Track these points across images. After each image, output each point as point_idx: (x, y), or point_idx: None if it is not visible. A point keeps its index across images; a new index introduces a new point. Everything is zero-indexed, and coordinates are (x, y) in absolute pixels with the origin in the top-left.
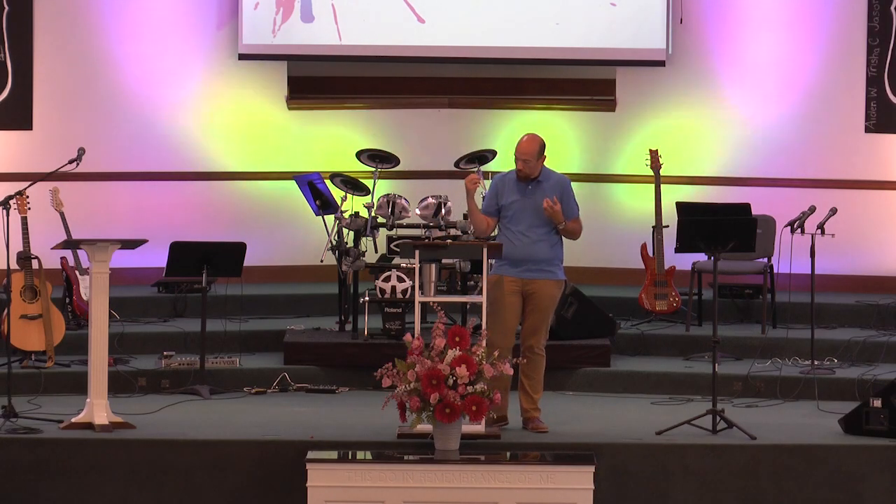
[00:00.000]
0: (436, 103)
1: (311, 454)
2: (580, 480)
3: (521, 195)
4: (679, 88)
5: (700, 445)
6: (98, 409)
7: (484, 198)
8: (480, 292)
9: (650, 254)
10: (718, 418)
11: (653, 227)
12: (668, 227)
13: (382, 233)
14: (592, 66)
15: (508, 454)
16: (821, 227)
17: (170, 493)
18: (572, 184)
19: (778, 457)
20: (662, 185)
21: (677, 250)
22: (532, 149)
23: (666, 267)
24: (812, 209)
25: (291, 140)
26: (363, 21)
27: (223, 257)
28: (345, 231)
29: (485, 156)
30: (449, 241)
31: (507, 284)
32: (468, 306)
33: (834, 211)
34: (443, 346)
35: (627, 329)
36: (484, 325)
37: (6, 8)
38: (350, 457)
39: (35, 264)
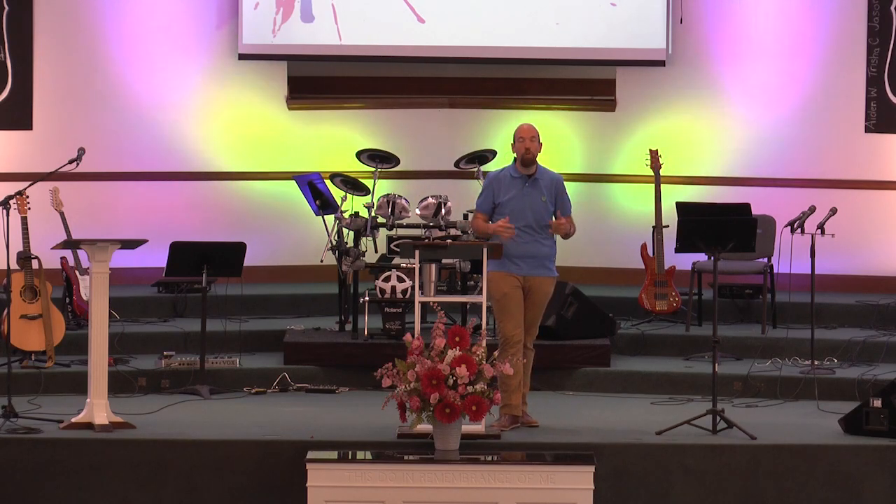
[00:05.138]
0: (436, 103)
1: (311, 454)
2: (580, 480)
3: (519, 192)
4: (679, 88)
5: (700, 445)
6: (98, 409)
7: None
8: (480, 292)
9: (650, 254)
10: (718, 418)
11: (653, 227)
12: (668, 227)
13: (382, 233)
14: (592, 66)
15: (508, 454)
16: (821, 227)
17: (170, 493)
18: (572, 184)
19: (778, 457)
20: (662, 185)
21: (677, 250)
22: (534, 129)
23: (666, 267)
24: (812, 209)
25: (291, 140)
26: (363, 21)
27: (223, 257)
28: (345, 231)
29: (485, 156)
30: (449, 241)
31: (510, 279)
32: (468, 306)
33: (834, 211)
34: (443, 346)
35: (627, 329)
36: (484, 325)
37: (6, 8)
38: (350, 457)
39: (35, 264)
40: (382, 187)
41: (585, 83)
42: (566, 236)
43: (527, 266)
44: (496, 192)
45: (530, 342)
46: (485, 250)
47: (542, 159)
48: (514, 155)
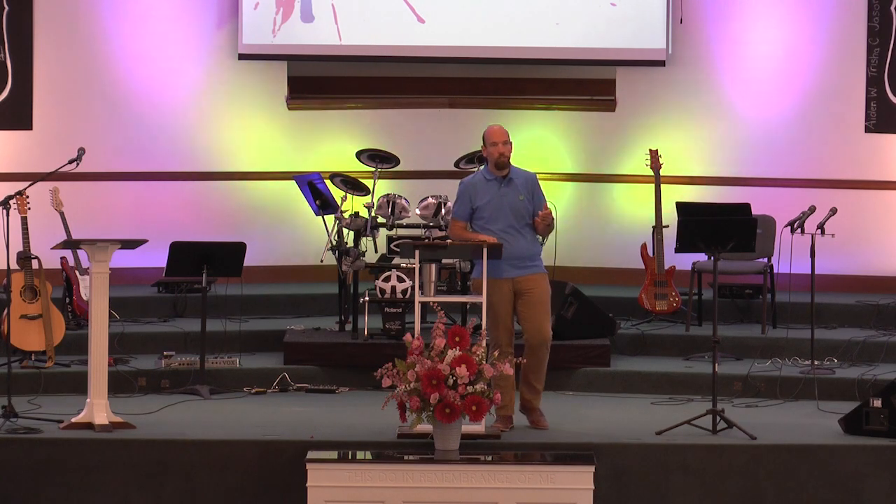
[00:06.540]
0: (436, 103)
1: (311, 454)
2: (580, 480)
3: (496, 194)
4: (679, 88)
5: (700, 445)
6: (98, 409)
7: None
8: (480, 292)
9: (650, 254)
10: (718, 418)
11: (653, 227)
12: (668, 227)
13: (382, 233)
14: (592, 66)
15: (508, 454)
16: (821, 227)
17: (170, 493)
18: (572, 184)
19: (778, 457)
20: (662, 185)
21: (677, 250)
22: (506, 132)
23: (666, 267)
24: (812, 209)
25: (291, 140)
26: (363, 21)
27: (223, 257)
28: (345, 231)
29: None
30: (449, 241)
31: (496, 284)
32: (468, 306)
33: (834, 211)
34: (443, 346)
35: (627, 329)
36: (484, 326)
37: (6, 8)
38: (350, 457)
39: (35, 264)
40: (382, 187)
41: (585, 83)
42: (547, 230)
43: (514, 268)
44: (472, 198)
45: (548, 339)
46: (485, 250)
47: (544, 160)
48: (486, 158)
